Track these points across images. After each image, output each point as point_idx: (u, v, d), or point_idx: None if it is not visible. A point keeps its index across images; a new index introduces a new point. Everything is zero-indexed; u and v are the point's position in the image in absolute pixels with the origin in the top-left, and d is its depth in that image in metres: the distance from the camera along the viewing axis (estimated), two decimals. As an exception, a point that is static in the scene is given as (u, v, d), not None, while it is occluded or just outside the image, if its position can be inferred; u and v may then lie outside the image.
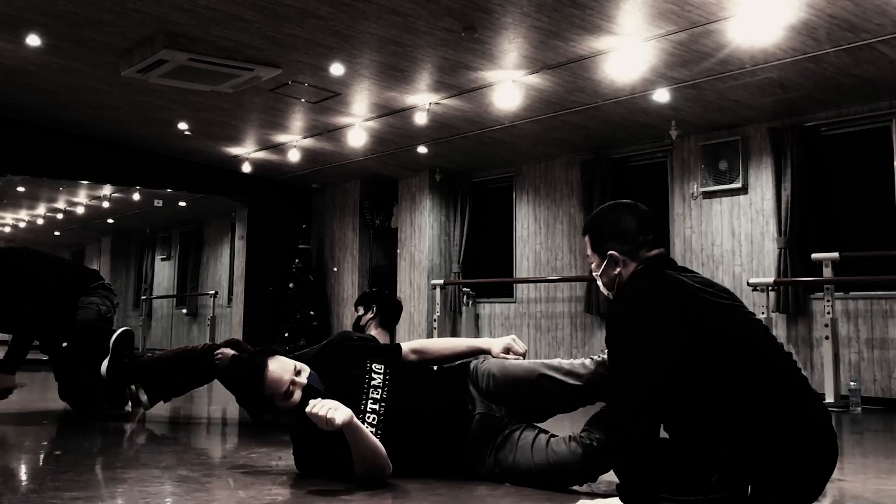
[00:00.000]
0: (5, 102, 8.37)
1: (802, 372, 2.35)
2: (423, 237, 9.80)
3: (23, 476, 2.94)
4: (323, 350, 3.03)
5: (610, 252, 2.48)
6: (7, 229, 16.84)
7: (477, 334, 9.21)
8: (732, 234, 7.24)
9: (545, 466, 2.60)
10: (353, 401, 2.68)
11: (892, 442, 4.57)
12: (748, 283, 6.55)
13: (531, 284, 8.83)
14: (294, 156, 9.12)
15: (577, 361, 2.75)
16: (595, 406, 2.73)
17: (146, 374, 4.48)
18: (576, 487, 2.62)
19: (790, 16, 4.99)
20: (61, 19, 5.89)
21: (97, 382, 4.43)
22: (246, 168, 9.98)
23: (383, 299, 4.81)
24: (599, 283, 2.58)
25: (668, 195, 7.71)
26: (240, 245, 11.44)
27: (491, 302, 9.25)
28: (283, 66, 6.45)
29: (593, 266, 2.58)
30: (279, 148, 9.28)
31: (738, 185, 7.19)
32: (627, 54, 5.65)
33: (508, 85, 6.45)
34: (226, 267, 13.82)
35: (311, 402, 2.47)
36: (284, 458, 3.03)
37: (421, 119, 7.37)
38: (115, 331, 4.47)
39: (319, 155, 9.42)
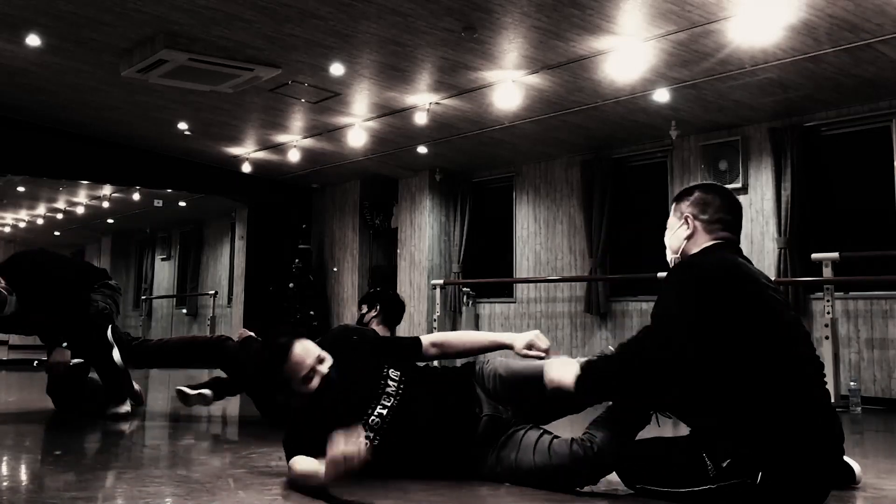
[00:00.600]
0: (5, 102, 8.37)
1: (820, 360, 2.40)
2: (423, 237, 9.80)
3: (23, 476, 2.94)
4: (330, 344, 2.94)
5: (686, 214, 2.54)
6: (7, 229, 16.83)
7: (477, 334, 9.21)
8: (732, 234, 7.24)
9: (546, 467, 2.59)
10: (364, 403, 2.66)
11: (892, 442, 4.57)
12: (748, 283, 6.54)
13: (531, 284, 8.83)
14: (294, 156, 9.12)
15: (584, 360, 2.74)
16: (601, 406, 2.74)
17: (155, 357, 4.56)
18: (578, 490, 2.62)
19: (790, 16, 4.99)
20: (61, 19, 5.89)
21: (108, 376, 4.50)
22: (246, 168, 9.98)
23: (387, 297, 4.83)
24: (667, 246, 2.61)
25: (668, 195, 7.70)
26: (240, 245, 11.44)
27: (491, 302, 9.25)
28: (283, 66, 6.45)
29: (668, 230, 2.63)
30: (279, 148, 9.28)
31: (738, 185, 7.19)
32: (627, 54, 5.65)
33: (508, 85, 6.45)
34: (226, 267, 13.82)
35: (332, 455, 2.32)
36: (284, 459, 3.03)
37: (421, 119, 7.37)
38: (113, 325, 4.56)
39: (319, 155, 9.42)
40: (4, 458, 3.26)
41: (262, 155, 9.67)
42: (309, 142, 8.89)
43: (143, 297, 16.11)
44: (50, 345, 4.74)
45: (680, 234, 2.54)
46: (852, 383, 5.86)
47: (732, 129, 7.26)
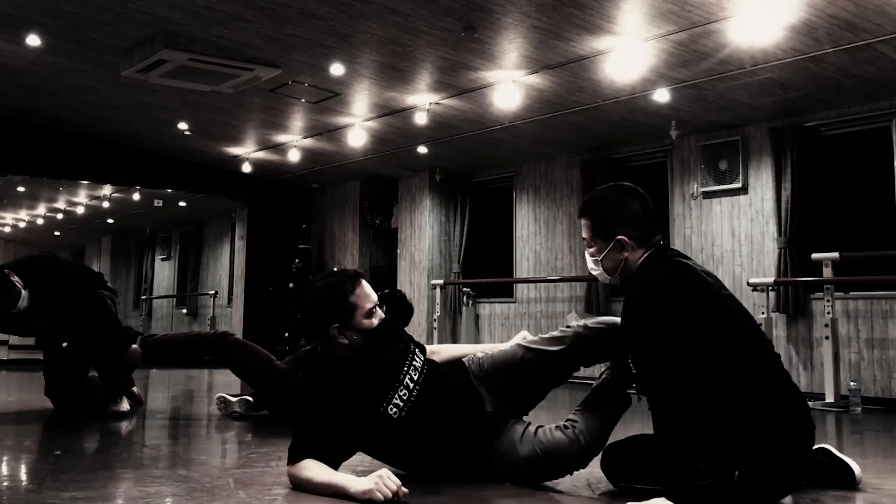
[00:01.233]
0: (5, 102, 8.37)
1: (780, 361, 2.41)
2: (423, 237, 9.81)
3: (23, 476, 2.94)
4: None
5: (619, 237, 2.47)
6: (7, 229, 16.83)
7: (477, 334, 9.22)
8: (732, 234, 7.24)
9: (532, 456, 2.62)
10: (392, 373, 2.65)
11: (892, 442, 4.57)
12: (748, 283, 6.55)
13: (531, 284, 8.83)
14: (294, 156, 9.12)
15: (556, 331, 2.77)
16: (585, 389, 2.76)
17: (163, 355, 4.76)
18: (579, 492, 2.62)
19: (790, 16, 4.99)
20: (61, 19, 5.89)
21: (108, 374, 4.62)
22: (246, 168, 9.98)
23: (394, 299, 4.82)
24: (598, 267, 2.55)
25: (668, 195, 7.71)
26: (240, 245, 11.44)
27: (491, 302, 9.25)
28: (283, 66, 6.45)
29: (593, 250, 2.55)
30: (279, 148, 9.28)
31: (738, 185, 7.19)
32: (627, 54, 5.65)
33: (508, 85, 6.45)
34: (226, 267, 13.82)
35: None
36: (284, 459, 3.03)
37: (421, 119, 7.37)
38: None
39: (319, 155, 9.42)
40: (4, 458, 3.26)
41: (262, 155, 9.67)
42: (309, 142, 8.89)
43: (143, 297, 16.12)
44: (49, 346, 4.77)
45: (615, 257, 2.48)
46: (852, 383, 5.86)
47: (732, 129, 7.26)
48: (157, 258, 16.45)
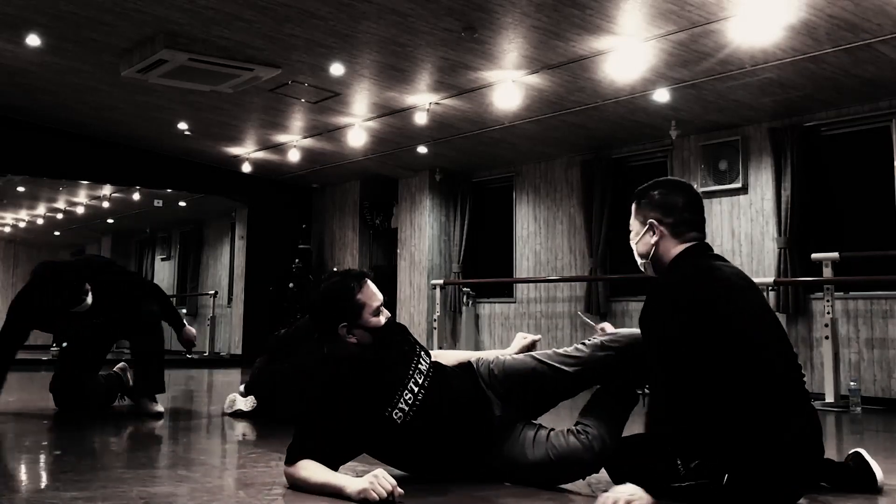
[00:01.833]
0: (5, 102, 8.37)
1: (803, 376, 2.37)
2: (423, 237, 9.81)
3: (23, 476, 2.94)
4: None
5: (651, 220, 2.52)
6: (7, 229, 16.83)
7: (477, 334, 9.23)
8: (732, 234, 7.24)
9: (546, 461, 2.62)
10: (398, 377, 2.64)
11: (892, 442, 4.57)
12: (748, 283, 6.54)
13: (531, 284, 8.83)
14: (294, 156, 9.12)
15: (570, 348, 2.77)
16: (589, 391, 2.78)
17: None
18: (579, 490, 2.62)
19: (790, 16, 4.99)
20: (61, 19, 5.89)
21: (153, 372, 4.70)
22: (246, 168, 9.98)
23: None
24: (635, 250, 2.61)
25: (668, 195, 7.70)
26: (240, 245, 11.44)
27: (491, 302, 9.25)
28: (283, 66, 6.45)
29: (632, 234, 2.62)
30: (279, 148, 9.28)
31: (738, 185, 7.19)
32: (627, 54, 5.65)
33: (508, 85, 6.45)
34: (226, 267, 13.82)
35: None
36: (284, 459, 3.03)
37: (421, 119, 7.37)
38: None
39: (319, 155, 9.42)
40: (4, 458, 3.26)
41: (262, 155, 9.67)
42: (309, 142, 8.90)
43: (144, 297, 16.06)
44: (72, 345, 4.82)
45: (647, 241, 2.54)
46: (852, 383, 5.86)
47: (732, 129, 7.26)
48: (157, 258, 16.45)
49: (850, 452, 2.73)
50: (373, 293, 2.75)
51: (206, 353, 12.25)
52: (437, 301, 9.07)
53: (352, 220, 10.83)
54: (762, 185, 7.07)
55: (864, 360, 6.35)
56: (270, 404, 4.53)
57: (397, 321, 2.96)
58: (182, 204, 12.84)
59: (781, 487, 2.25)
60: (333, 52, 6.14)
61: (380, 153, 9.05)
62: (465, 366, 2.88)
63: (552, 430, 2.70)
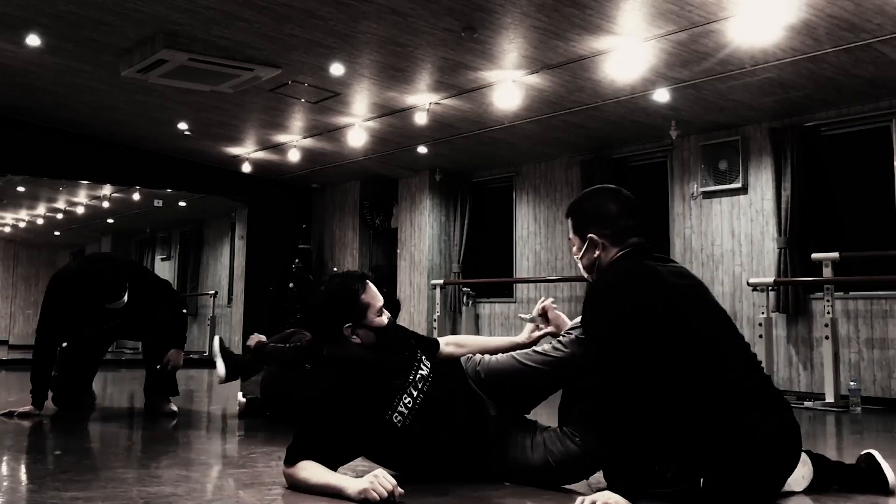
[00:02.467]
0: (5, 102, 8.37)
1: (764, 371, 2.39)
2: (423, 237, 9.81)
3: (23, 476, 2.94)
4: None
5: (590, 235, 2.52)
6: (7, 229, 16.83)
7: (477, 334, 9.22)
8: (732, 234, 7.24)
9: (546, 465, 2.64)
10: (398, 381, 2.65)
11: (892, 442, 4.57)
12: (748, 283, 6.55)
13: (531, 284, 8.83)
14: (294, 156, 9.13)
15: (548, 346, 2.77)
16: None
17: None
18: (579, 490, 2.62)
19: (790, 16, 4.99)
20: (61, 19, 5.89)
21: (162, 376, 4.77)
22: (246, 168, 9.98)
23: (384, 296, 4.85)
24: (579, 265, 2.61)
25: (668, 195, 7.70)
26: (240, 245, 11.44)
27: (491, 302, 9.25)
28: (283, 66, 6.45)
29: (574, 249, 2.61)
30: (279, 148, 9.28)
31: (738, 185, 7.19)
32: (627, 54, 5.65)
33: (508, 85, 6.45)
34: (226, 267, 13.82)
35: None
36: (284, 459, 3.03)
37: (421, 119, 7.37)
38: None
39: (319, 155, 9.42)
40: (4, 458, 3.26)
41: (262, 155, 9.67)
42: (309, 142, 8.90)
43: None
44: (83, 343, 4.83)
45: (590, 256, 2.53)
46: (852, 383, 5.86)
47: (732, 129, 7.26)
48: (157, 258, 16.44)
49: (863, 454, 2.70)
50: (375, 294, 2.78)
51: (206, 354, 12.24)
52: (437, 301, 9.07)
53: (352, 220, 10.83)
54: (762, 185, 7.07)
55: (864, 360, 6.35)
56: (282, 408, 4.49)
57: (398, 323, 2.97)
58: (182, 204, 12.84)
59: (757, 487, 2.25)
60: (333, 52, 6.14)
61: (380, 153, 9.06)
62: (457, 369, 2.88)
63: (547, 429, 2.72)
